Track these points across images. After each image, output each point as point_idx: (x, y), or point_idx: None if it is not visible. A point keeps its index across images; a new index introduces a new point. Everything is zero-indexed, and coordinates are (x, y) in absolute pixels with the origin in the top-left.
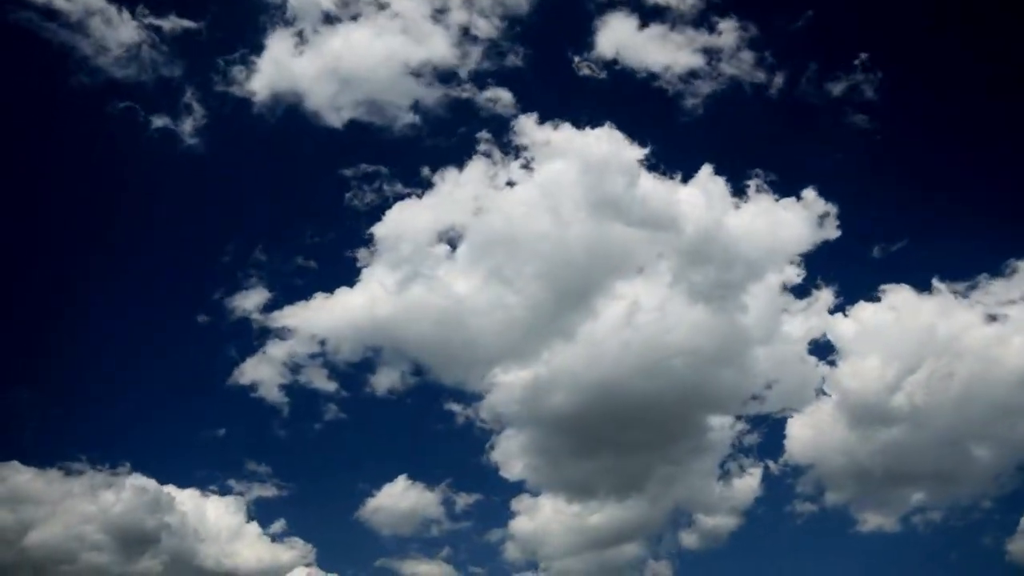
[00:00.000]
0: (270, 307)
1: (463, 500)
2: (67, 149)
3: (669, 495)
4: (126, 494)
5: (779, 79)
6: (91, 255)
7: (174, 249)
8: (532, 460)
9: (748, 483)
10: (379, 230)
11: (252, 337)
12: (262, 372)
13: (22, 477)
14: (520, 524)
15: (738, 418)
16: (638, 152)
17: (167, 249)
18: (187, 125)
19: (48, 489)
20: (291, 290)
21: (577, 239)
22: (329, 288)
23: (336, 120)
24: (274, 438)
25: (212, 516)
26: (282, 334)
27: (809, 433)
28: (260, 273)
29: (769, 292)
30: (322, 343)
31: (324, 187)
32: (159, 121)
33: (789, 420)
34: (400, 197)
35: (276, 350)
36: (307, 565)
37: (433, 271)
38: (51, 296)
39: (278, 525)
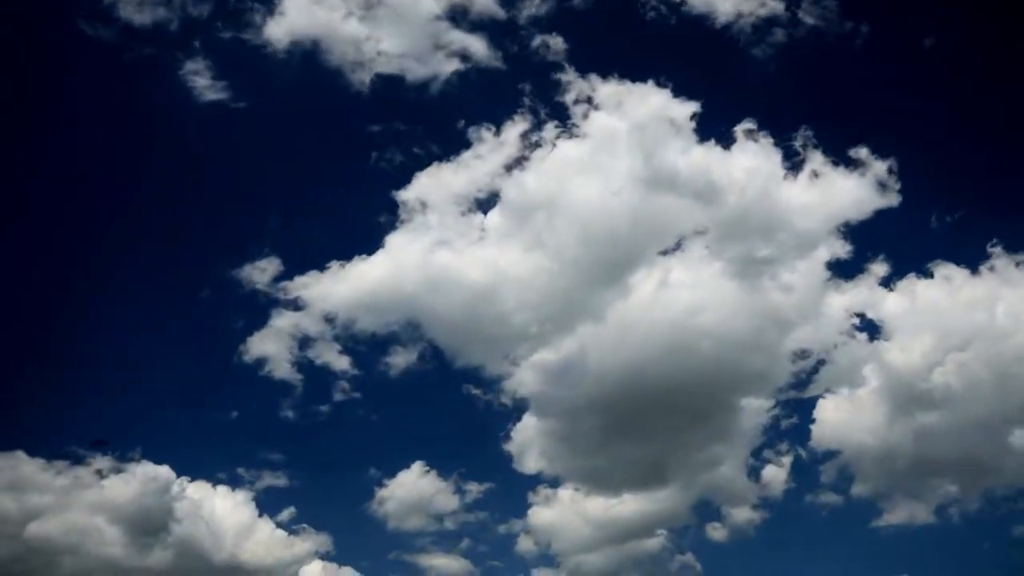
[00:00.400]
0: (282, 277)
1: (479, 490)
2: (82, 101)
3: (695, 486)
4: (135, 483)
5: (865, 29)
6: (95, 228)
7: (181, 217)
8: (552, 449)
9: (779, 473)
10: (406, 194)
11: (261, 310)
12: (271, 348)
13: (27, 468)
14: (538, 516)
15: (773, 404)
16: (691, 109)
17: (174, 218)
18: (201, 77)
19: (54, 479)
20: (305, 259)
21: (616, 208)
22: (347, 256)
23: (363, 72)
24: (284, 422)
25: (222, 507)
26: (293, 306)
27: (845, 418)
28: (272, 241)
29: (816, 266)
30: (335, 317)
31: (348, 146)
32: (179, 70)
33: (824, 403)
34: (432, 158)
35: (286, 323)
36: (321, 557)
37: (462, 240)
38: (53, 281)
39: (290, 515)
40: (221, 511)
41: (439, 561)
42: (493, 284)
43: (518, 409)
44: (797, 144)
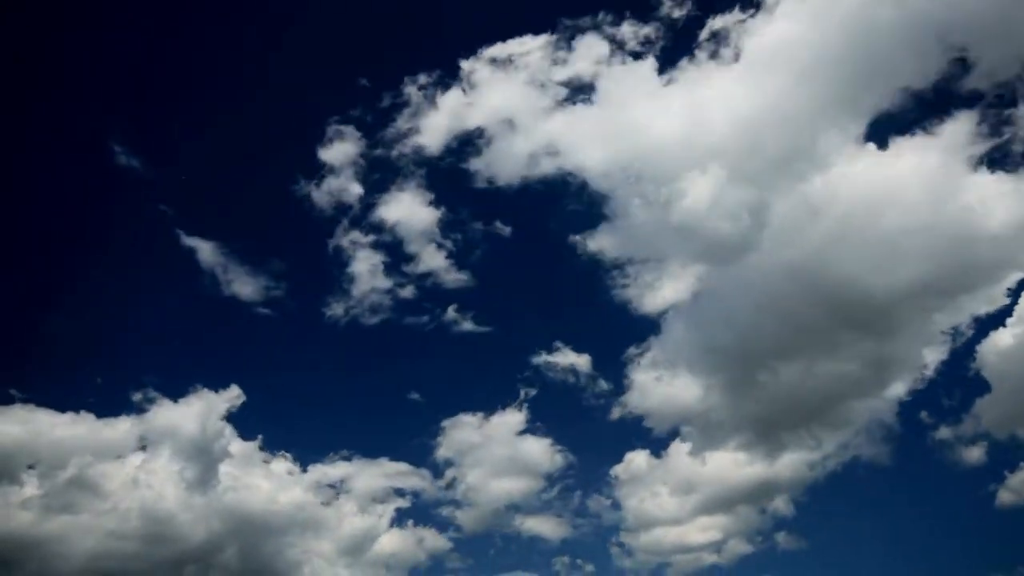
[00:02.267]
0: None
1: (576, 441)
2: None
3: (839, 437)
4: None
5: None
6: None
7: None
8: (679, 383)
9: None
10: None
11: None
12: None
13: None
14: (645, 470)
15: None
16: None
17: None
18: None
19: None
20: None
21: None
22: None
23: None
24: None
25: (280, 467)
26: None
27: None
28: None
29: None
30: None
31: None
32: None
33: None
34: None
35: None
36: (396, 522)
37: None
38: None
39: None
40: (279, 470)
41: (531, 523)
42: (688, 129)
43: (652, 329)
44: None
